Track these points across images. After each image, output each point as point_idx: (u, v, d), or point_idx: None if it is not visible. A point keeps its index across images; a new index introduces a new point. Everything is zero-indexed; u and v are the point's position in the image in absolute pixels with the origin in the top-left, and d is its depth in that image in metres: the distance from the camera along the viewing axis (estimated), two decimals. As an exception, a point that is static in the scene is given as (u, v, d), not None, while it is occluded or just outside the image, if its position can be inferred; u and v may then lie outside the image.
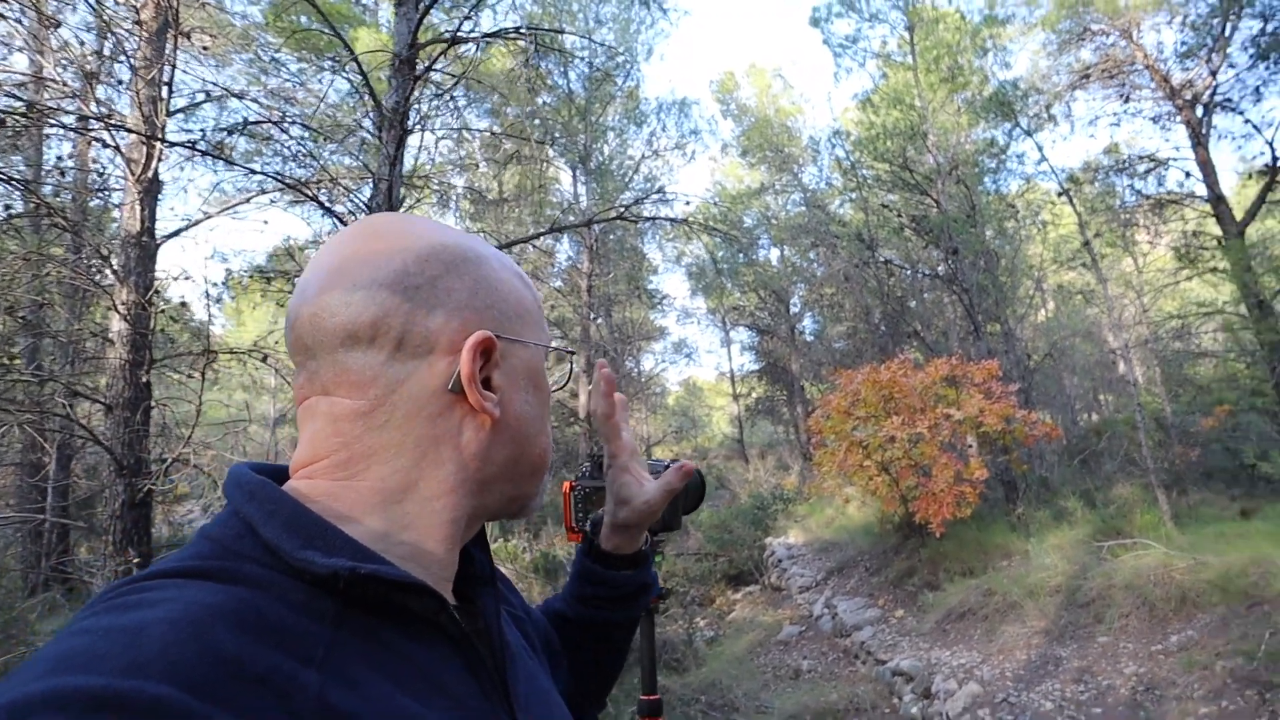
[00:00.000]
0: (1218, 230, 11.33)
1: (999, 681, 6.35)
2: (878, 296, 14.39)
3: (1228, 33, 11.05)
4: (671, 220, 10.16)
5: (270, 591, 0.49)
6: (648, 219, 12.39)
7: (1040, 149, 14.28)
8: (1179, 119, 11.85)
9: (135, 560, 5.00)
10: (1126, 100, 12.54)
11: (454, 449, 0.58)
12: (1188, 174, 11.81)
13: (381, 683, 0.50)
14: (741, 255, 19.38)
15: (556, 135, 16.60)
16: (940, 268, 12.91)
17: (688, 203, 10.96)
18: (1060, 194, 11.74)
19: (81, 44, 7.33)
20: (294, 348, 0.59)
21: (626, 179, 17.63)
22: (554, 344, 0.70)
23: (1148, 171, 12.53)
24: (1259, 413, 10.44)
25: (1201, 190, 11.60)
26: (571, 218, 15.79)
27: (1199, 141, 11.50)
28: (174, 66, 5.68)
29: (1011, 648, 6.84)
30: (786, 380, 19.74)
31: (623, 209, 10.76)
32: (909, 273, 14.36)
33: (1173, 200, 12.22)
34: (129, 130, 5.32)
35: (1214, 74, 11.28)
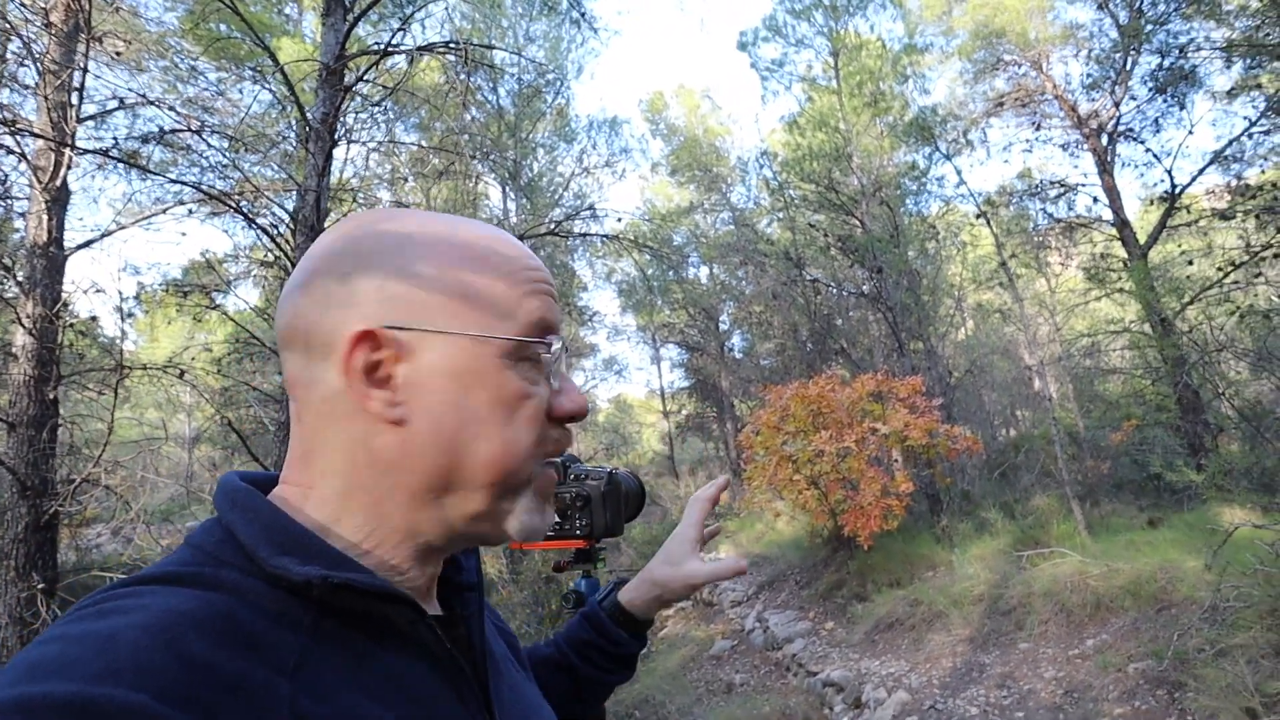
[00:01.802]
0: (1123, 253, 11.92)
1: (926, 689, 6.40)
2: (805, 314, 14.63)
3: (1129, 66, 11.69)
4: (602, 237, 10.12)
5: (247, 598, 0.48)
6: (578, 235, 12.34)
7: (959, 172, 14.83)
8: (1086, 147, 12.46)
9: (39, 585, 4.77)
10: (1038, 128, 13.12)
11: (367, 454, 0.55)
12: (1095, 199, 12.40)
13: (353, 694, 0.49)
14: (671, 273, 19.51)
15: (486, 151, 16.45)
16: (865, 286, 13.20)
17: (619, 220, 10.92)
18: (978, 216, 12.18)
19: None
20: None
21: (557, 196, 17.55)
22: (526, 337, 0.58)
23: (1058, 196, 13.10)
24: (1163, 427, 10.96)
25: (1108, 214, 12.20)
26: (501, 233, 15.58)
27: (1105, 169, 12.10)
28: (85, 71, 5.47)
29: (938, 656, 6.92)
30: (716, 397, 19.86)
31: (553, 225, 10.69)
32: (835, 291, 14.65)
33: (1082, 224, 12.81)
34: (36, 135, 5.14)
35: (1117, 105, 11.91)
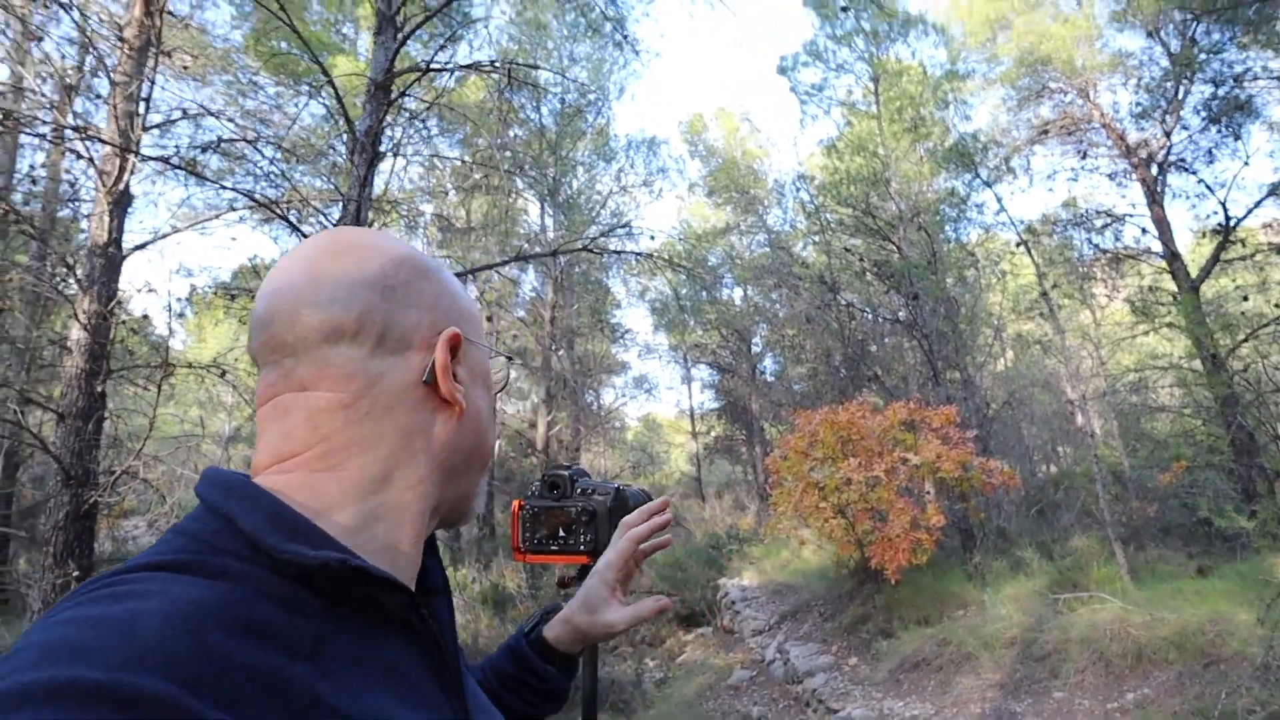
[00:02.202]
0: (1174, 286, 11.49)
1: (952, 736, 6.10)
2: (839, 339, 14.37)
3: (1180, 96, 11.35)
4: (636, 254, 10.05)
5: (254, 586, 0.49)
6: (612, 252, 12.30)
7: (999, 200, 14.52)
8: (1135, 177, 12.09)
9: (75, 574, 4.88)
10: (1084, 157, 12.79)
11: (426, 439, 0.62)
12: (1144, 230, 12.01)
13: (363, 677, 0.50)
14: (705, 293, 19.40)
15: (526, 167, 16.62)
16: (901, 313, 12.93)
17: (652, 238, 10.85)
18: (1018, 244, 11.88)
19: (63, 57, 7.56)
20: (267, 346, 0.60)
21: (594, 213, 17.60)
22: (497, 350, 0.76)
23: (1104, 226, 12.72)
24: (1215, 469, 10.47)
25: (1157, 246, 11.80)
26: (537, 248, 15.66)
27: (1154, 199, 11.72)
28: (153, 83, 5.73)
29: (966, 700, 6.62)
30: (746, 420, 19.60)
31: (588, 241, 10.66)
32: (870, 316, 14.39)
33: (1129, 255, 12.41)
34: (104, 142, 5.33)
35: (1168, 135, 11.55)
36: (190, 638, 0.41)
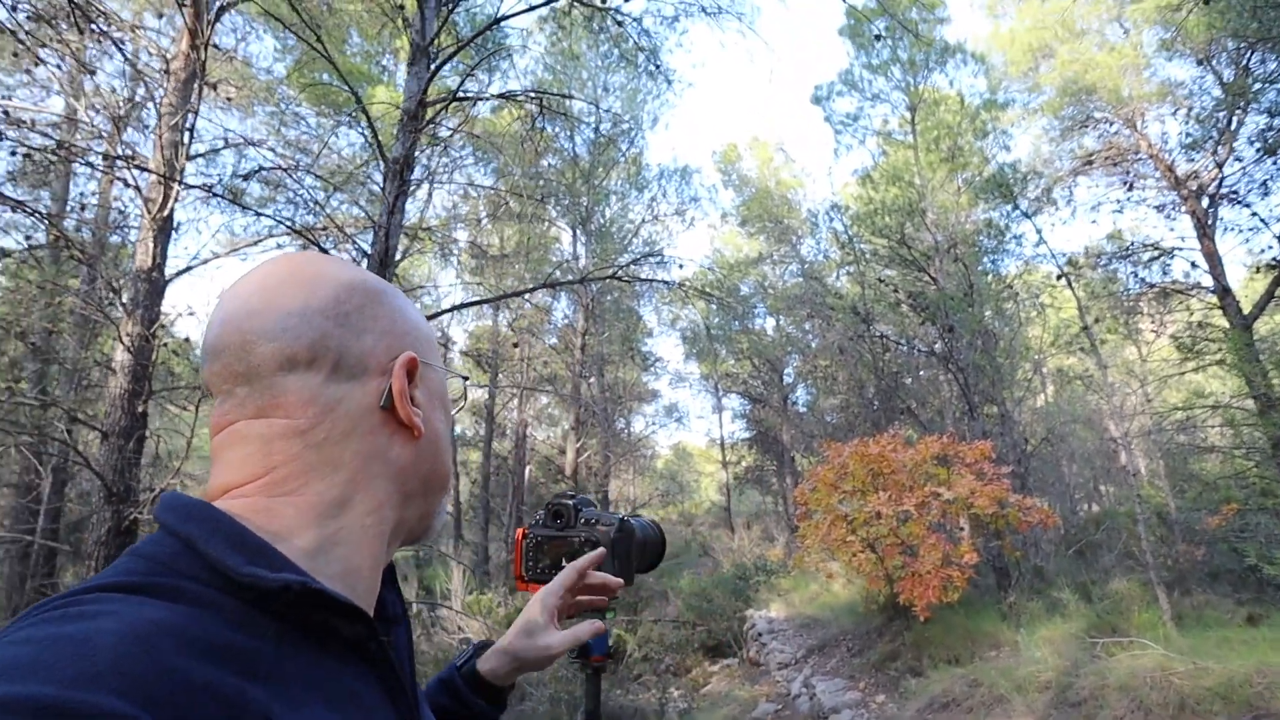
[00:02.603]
0: (1225, 322, 11.09)
1: (980, 784, 5.81)
2: (872, 371, 14.14)
3: (1233, 126, 11.05)
4: (666, 283, 10.05)
5: (210, 608, 0.49)
6: (643, 280, 12.33)
7: (1039, 232, 14.24)
8: (1184, 209, 11.75)
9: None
10: (1130, 188, 12.49)
11: (384, 463, 0.61)
12: (1194, 264, 11.64)
13: (319, 702, 0.50)
14: (736, 322, 19.32)
15: (559, 195, 16.79)
16: (936, 345, 12.68)
17: (680, 266, 10.84)
18: (1059, 277, 11.58)
19: (113, 90, 7.80)
20: (220, 376, 0.59)
21: (626, 241, 17.70)
22: (453, 370, 0.78)
23: (1152, 260, 12.37)
24: (1268, 513, 9.97)
25: (1208, 281, 11.42)
26: (569, 275, 15.77)
27: (1205, 233, 11.38)
28: (197, 114, 5.91)
29: (996, 746, 6.31)
30: (777, 450, 19.36)
31: (618, 269, 10.70)
32: (904, 349, 14.14)
33: (1178, 290, 12.02)
34: (149, 171, 5.53)
35: (1220, 166, 11.23)
36: (146, 656, 0.41)
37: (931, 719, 7.18)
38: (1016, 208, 12.53)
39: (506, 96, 7.11)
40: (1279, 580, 8.05)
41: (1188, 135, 11.83)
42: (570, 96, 9.05)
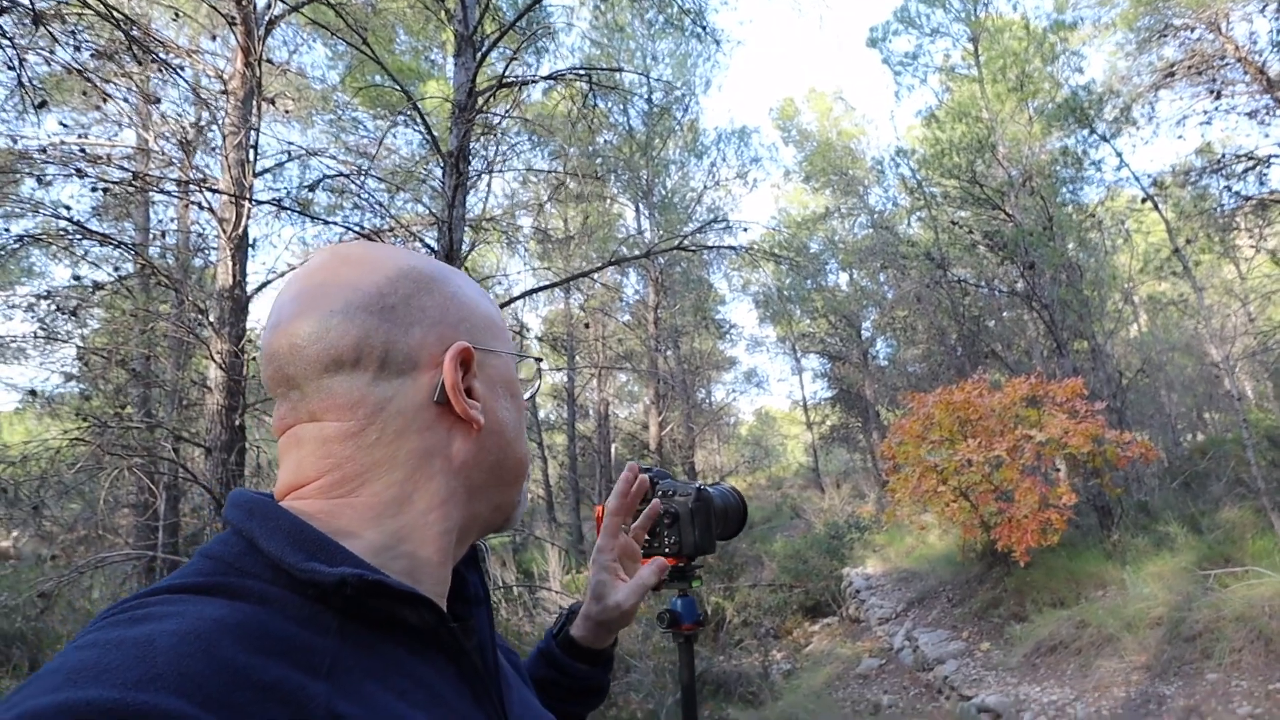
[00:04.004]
0: (1328, 229, 10.42)
1: (1094, 721, 5.83)
2: (952, 317, 13.82)
3: (1327, 17, 10.25)
4: (733, 249, 10.06)
5: (273, 605, 0.49)
6: (708, 248, 12.34)
7: (1119, 155, 13.55)
8: (1279, 112, 11.02)
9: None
10: (1218, 96, 11.72)
11: (444, 459, 0.60)
12: (1291, 171, 10.94)
13: (385, 694, 0.50)
14: (809, 281, 19.06)
15: (618, 172, 16.85)
16: (1017, 284, 12.31)
17: (745, 229, 10.87)
18: (1144, 200, 11.07)
19: (179, 116, 7.97)
20: (273, 380, 0.60)
21: (689, 210, 17.66)
22: (524, 352, 0.74)
23: (1246, 171, 11.63)
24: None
25: (1308, 187, 10.72)
26: (635, 251, 15.89)
27: (1302, 135, 10.66)
28: (259, 130, 6.02)
29: (1108, 684, 6.29)
30: (861, 406, 19.15)
31: (683, 239, 10.76)
32: (984, 291, 13.76)
33: (1277, 200, 11.32)
34: (221, 192, 5.66)
35: (1315, 61, 10.46)
36: (206, 655, 0.42)
37: (1039, 663, 7.17)
38: (1093, 132, 11.98)
39: (555, 77, 7.05)
40: None
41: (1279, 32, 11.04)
42: (620, 70, 9.06)
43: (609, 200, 16.70)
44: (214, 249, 8.22)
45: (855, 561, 12.93)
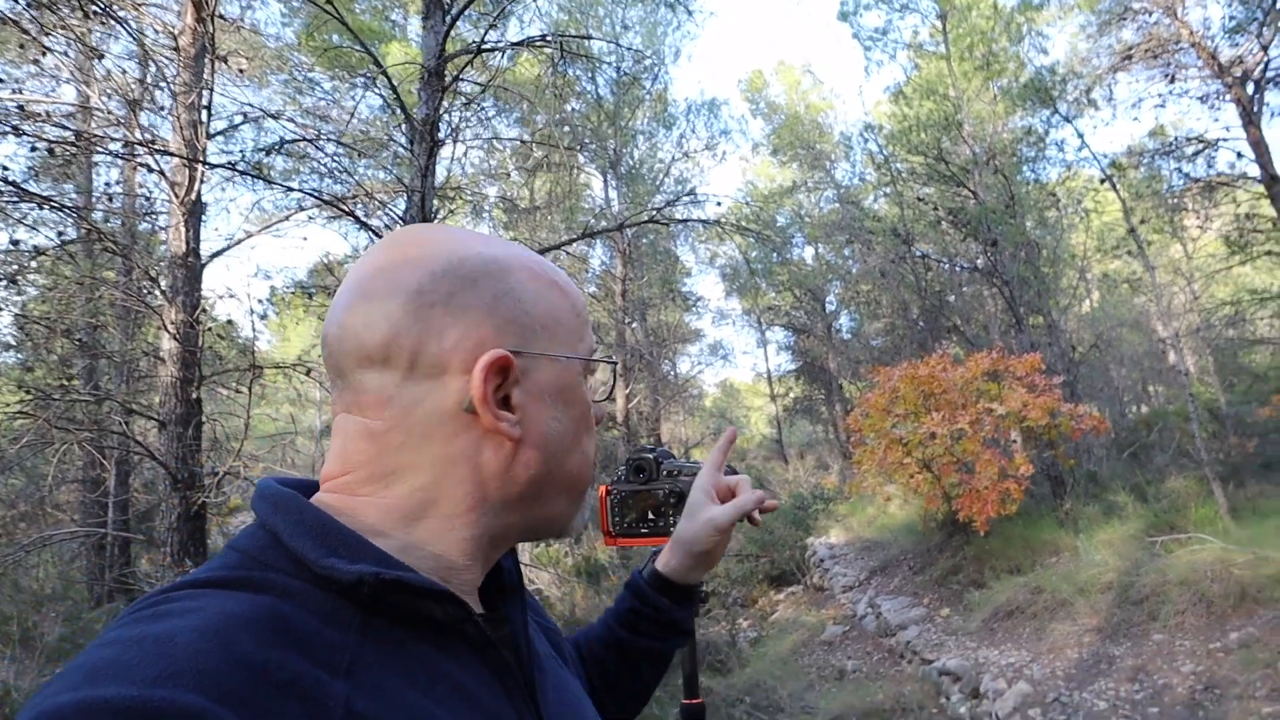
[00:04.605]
0: (1273, 212, 10.86)
1: (1050, 681, 6.17)
2: (915, 291, 14.13)
3: (1278, 5, 10.60)
4: (703, 222, 10.11)
5: (296, 600, 0.49)
6: (679, 221, 12.35)
7: (1080, 135, 13.86)
8: (1229, 98, 11.37)
9: (193, 570, 5.23)
10: (1172, 80, 12.07)
11: (472, 469, 0.58)
12: (1239, 155, 11.33)
13: (408, 692, 0.50)
14: (775, 255, 19.23)
15: (586, 141, 16.64)
16: (979, 260, 12.63)
17: (719, 203, 10.90)
18: (1103, 180, 11.40)
19: (124, 72, 7.53)
20: (326, 365, 0.60)
21: (657, 182, 17.63)
22: (593, 355, 0.67)
23: (1196, 153, 12.03)
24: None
25: (1254, 171, 11.14)
26: (603, 222, 15.82)
27: (1250, 120, 11.03)
28: (212, 90, 5.78)
29: (1062, 646, 6.65)
30: (824, 379, 19.51)
31: (654, 212, 10.78)
32: (946, 266, 14.08)
33: (1223, 183, 11.75)
34: (171, 154, 5.44)
35: (1265, 49, 10.81)
36: (224, 651, 0.42)
37: (997, 627, 7.53)
38: (1056, 112, 12.25)
39: (526, 43, 6.83)
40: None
41: (1231, 18, 11.37)
42: (589, 37, 8.96)
43: (576, 170, 16.56)
44: (163, 214, 7.85)
45: (819, 531, 13.28)
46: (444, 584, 0.55)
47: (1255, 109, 11.08)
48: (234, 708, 0.39)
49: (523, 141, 14.00)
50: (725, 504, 0.89)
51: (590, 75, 15.86)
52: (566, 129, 15.64)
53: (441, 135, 6.73)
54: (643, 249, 17.75)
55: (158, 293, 5.70)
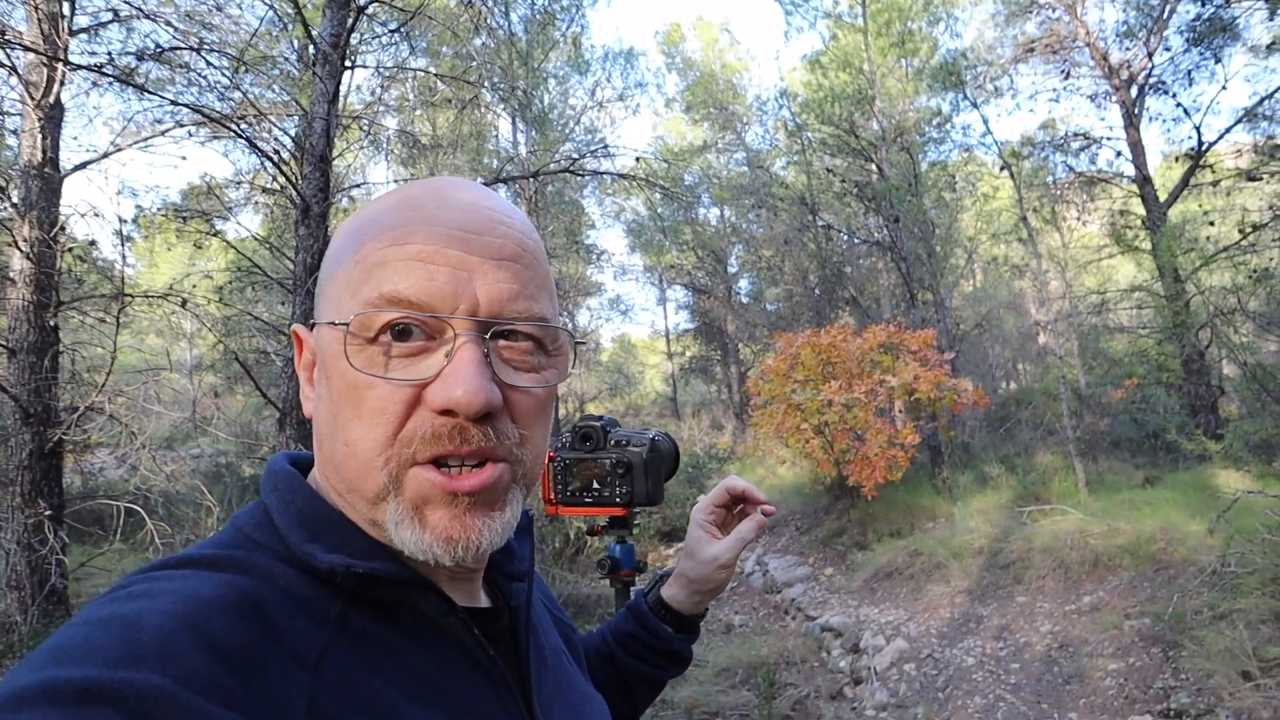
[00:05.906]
0: (1143, 210, 11.73)
1: (924, 638, 6.56)
2: (816, 260, 14.48)
3: (1166, 15, 11.29)
4: (618, 175, 9.91)
5: (276, 583, 0.48)
6: (593, 173, 12.08)
7: (985, 121, 14.44)
8: (1115, 98, 12.12)
9: (46, 512, 4.83)
10: (1067, 76, 12.73)
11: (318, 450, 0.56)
12: (1118, 153, 12.15)
13: (380, 686, 0.48)
14: (681, 213, 19.24)
15: (496, 80, 15.96)
16: (879, 235, 13.03)
17: (638, 159, 10.70)
18: (1002, 168, 11.93)
19: None
20: None
21: (568, 130, 17.16)
22: (370, 308, 0.50)
23: (1081, 149, 12.82)
24: (1164, 386, 11.01)
25: (1130, 170, 11.97)
26: (512, 168, 15.30)
27: (1131, 122, 11.81)
28: None
29: (936, 606, 7.08)
30: (721, 340, 19.85)
31: (570, 162, 10.46)
32: (847, 238, 14.48)
33: (1102, 179, 12.57)
34: (26, 48, 4.90)
35: (1150, 55, 11.54)
36: (191, 634, 0.41)
37: (877, 587, 7.94)
38: (963, 95, 12.67)
39: None
40: (1172, 445, 9.02)
41: (1124, 23, 12.06)
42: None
43: (484, 108, 15.90)
44: (14, 115, 7.08)
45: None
46: (428, 575, 0.53)
47: (1136, 111, 11.85)
48: (195, 690, 0.38)
49: (430, 74, 13.26)
50: (726, 539, 0.91)
51: (504, 9, 15.17)
52: (475, 64, 14.93)
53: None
54: (549, 198, 17.32)
55: (7, 205, 5.17)
